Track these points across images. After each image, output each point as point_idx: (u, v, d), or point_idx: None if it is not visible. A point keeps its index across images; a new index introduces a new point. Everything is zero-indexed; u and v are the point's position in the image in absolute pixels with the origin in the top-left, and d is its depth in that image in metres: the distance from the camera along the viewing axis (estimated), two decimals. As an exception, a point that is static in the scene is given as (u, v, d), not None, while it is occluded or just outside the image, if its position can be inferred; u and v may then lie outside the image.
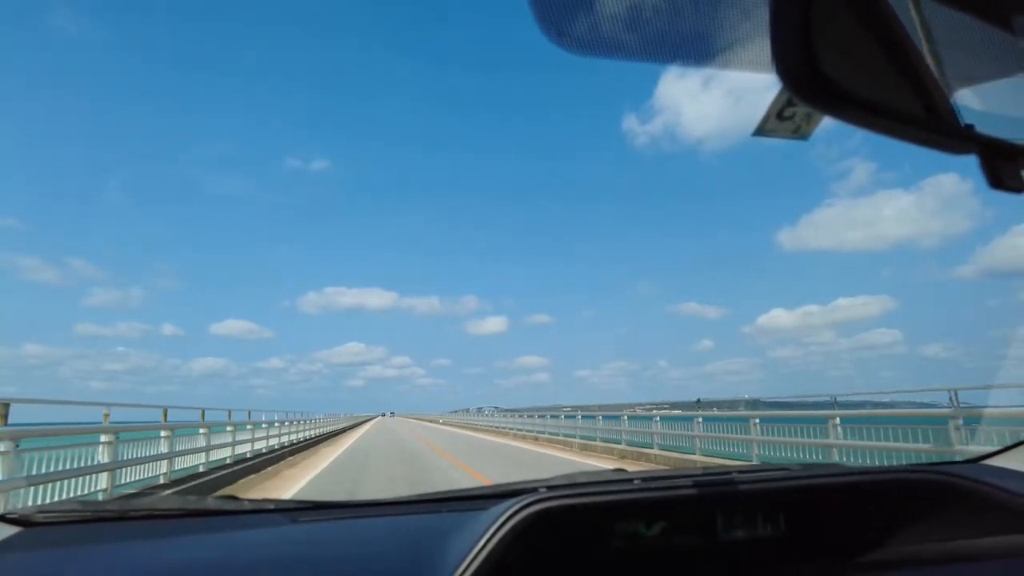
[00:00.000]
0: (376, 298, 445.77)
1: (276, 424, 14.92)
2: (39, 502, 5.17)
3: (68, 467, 5.63)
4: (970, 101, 0.44)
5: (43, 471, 5.33)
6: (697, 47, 0.47)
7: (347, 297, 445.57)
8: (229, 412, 11.22)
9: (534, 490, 0.89)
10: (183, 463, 8.66)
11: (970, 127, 0.40)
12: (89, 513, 1.03)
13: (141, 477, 7.38)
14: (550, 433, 19.08)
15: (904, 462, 7.17)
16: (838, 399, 8.76)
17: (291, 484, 9.33)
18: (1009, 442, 1.14)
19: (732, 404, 10.85)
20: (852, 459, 7.98)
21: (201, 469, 9.26)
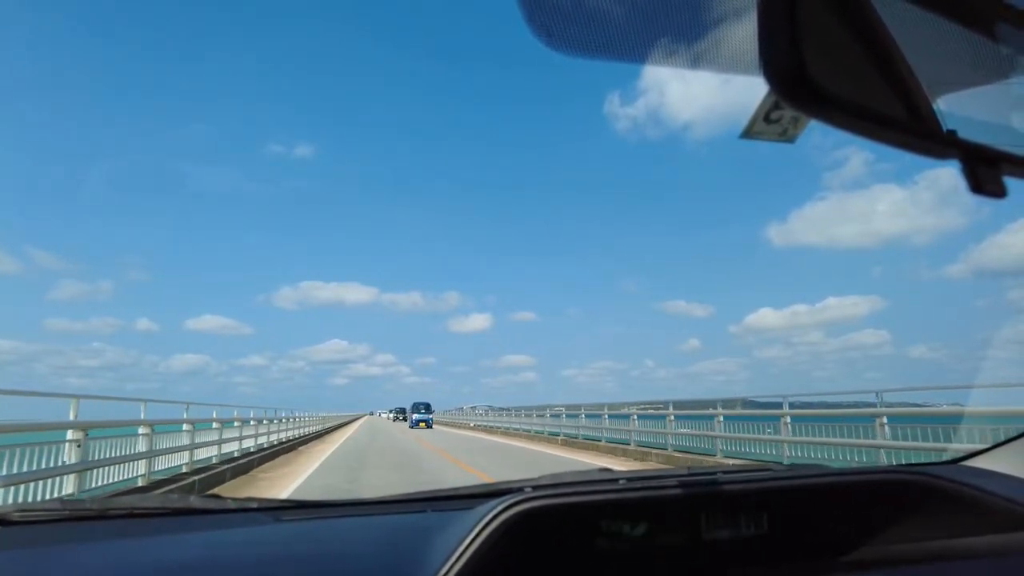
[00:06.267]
0: (355, 293, 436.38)
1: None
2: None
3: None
4: (952, 106, 0.44)
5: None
6: (685, 50, 0.48)
7: (325, 292, 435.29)
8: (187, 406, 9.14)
9: (520, 490, 0.90)
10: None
11: (952, 132, 0.41)
12: (69, 512, 1.01)
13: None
14: (606, 439, 15.27)
15: (841, 455, 8.23)
16: (790, 399, 9.66)
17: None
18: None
19: (729, 403, 11.18)
20: (800, 452, 8.97)
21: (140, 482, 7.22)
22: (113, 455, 6.62)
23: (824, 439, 8.57)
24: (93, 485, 6.18)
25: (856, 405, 9.65)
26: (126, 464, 7.00)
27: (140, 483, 7.20)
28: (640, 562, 0.88)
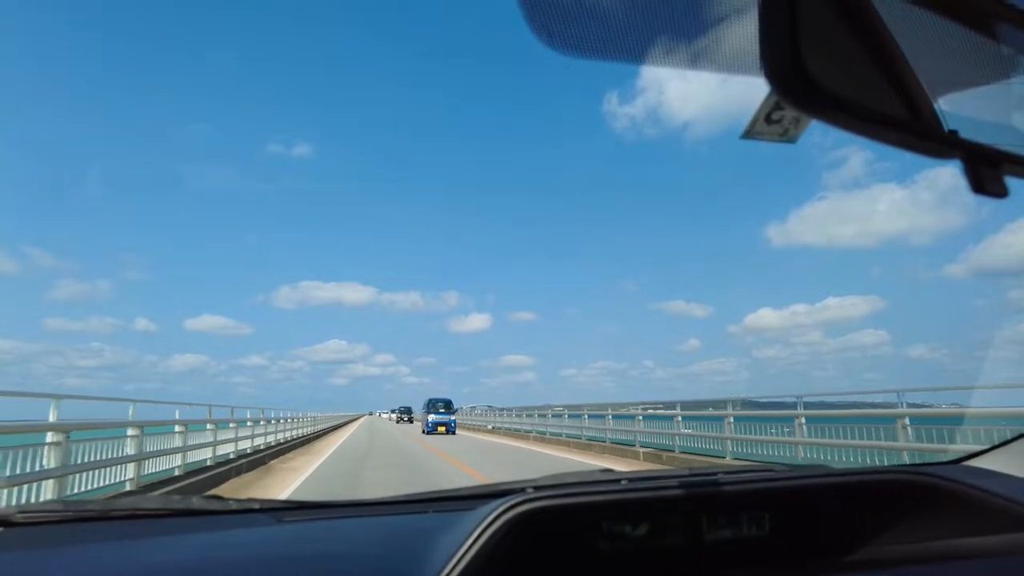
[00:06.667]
0: (354, 293, 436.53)
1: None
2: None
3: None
4: (954, 106, 0.44)
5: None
6: (686, 50, 0.48)
7: (323, 292, 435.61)
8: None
9: (521, 490, 0.90)
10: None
11: (954, 132, 0.41)
12: (71, 513, 1.01)
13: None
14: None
15: (859, 458, 7.86)
16: (804, 399, 9.32)
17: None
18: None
19: (721, 404, 11.09)
20: (815, 455, 8.54)
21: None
22: (98, 458, 6.26)
23: (843, 441, 8.04)
24: (76, 491, 5.87)
25: (857, 405, 9.54)
26: (112, 468, 6.65)
27: (128, 487, 6.86)
28: (642, 563, 0.88)
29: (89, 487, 6.17)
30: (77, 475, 5.91)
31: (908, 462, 7.25)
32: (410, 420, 49.17)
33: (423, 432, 26.09)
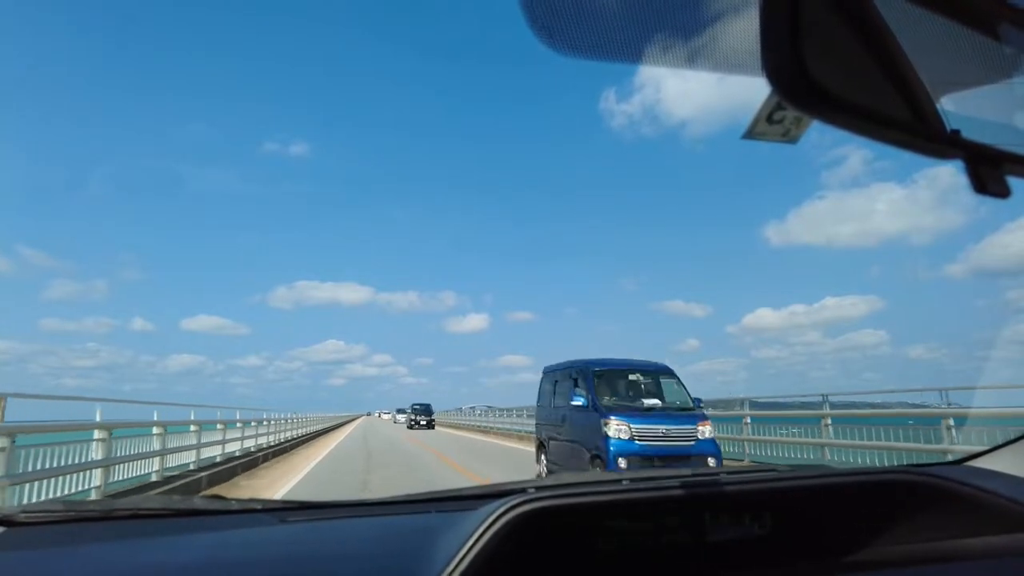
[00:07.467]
0: (351, 293, 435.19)
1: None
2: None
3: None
4: (956, 107, 0.44)
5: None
6: (687, 50, 0.48)
7: (320, 292, 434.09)
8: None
9: (523, 490, 0.90)
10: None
11: (956, 132, 0.41)
12: (73, 513, 1.02)
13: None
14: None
15: (888, 460, 7.43)
16: (829, 398, 8.91)
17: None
18: (993, 443, 1.15)
19: (728, 404, 11.00)
20: (836, 456, 8.17)
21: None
22: (53, 465, 5.63)
23: (877, 443, 7.48)
24: (24, 501, 5.16)
25: (856, 405, 9.36)
26: (74, 475, 6.05)
27: (94, 495, 6.22)
28: (643, 562, 0.88)
29: (42, 496, 5.57)
30: (26, 484, 5.34)
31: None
32: (430, 425, 33.19)
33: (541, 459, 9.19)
